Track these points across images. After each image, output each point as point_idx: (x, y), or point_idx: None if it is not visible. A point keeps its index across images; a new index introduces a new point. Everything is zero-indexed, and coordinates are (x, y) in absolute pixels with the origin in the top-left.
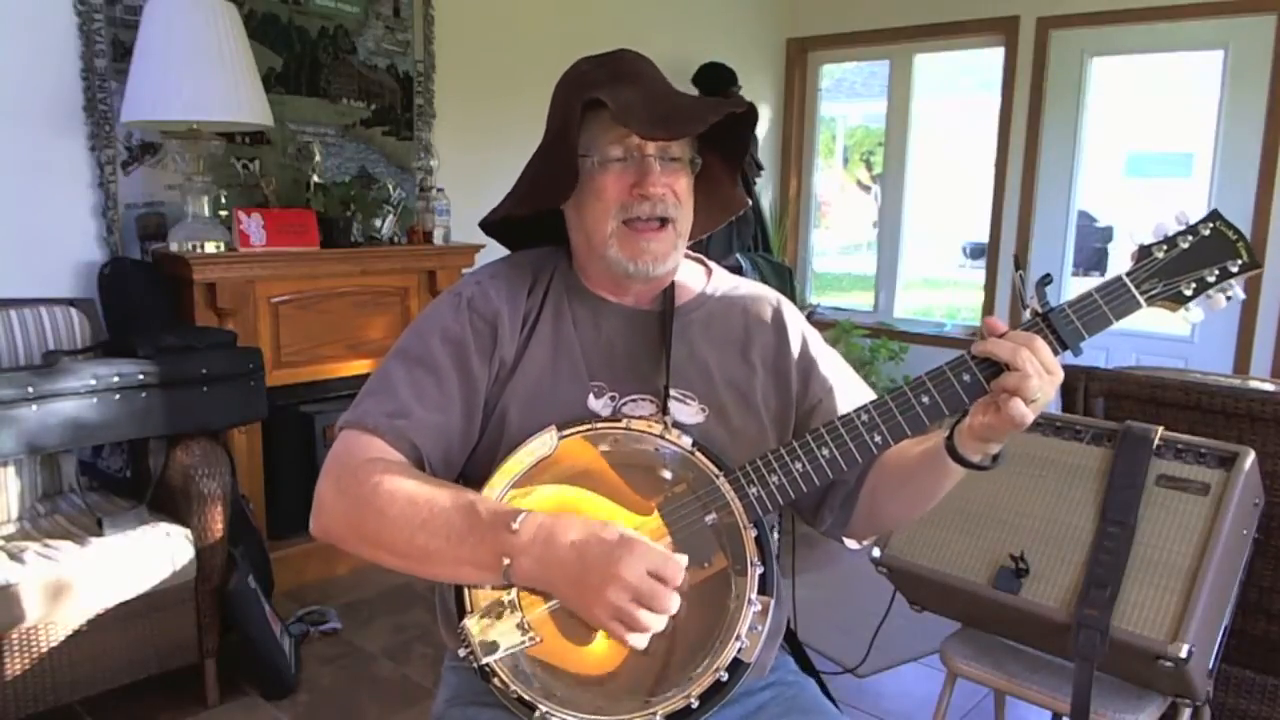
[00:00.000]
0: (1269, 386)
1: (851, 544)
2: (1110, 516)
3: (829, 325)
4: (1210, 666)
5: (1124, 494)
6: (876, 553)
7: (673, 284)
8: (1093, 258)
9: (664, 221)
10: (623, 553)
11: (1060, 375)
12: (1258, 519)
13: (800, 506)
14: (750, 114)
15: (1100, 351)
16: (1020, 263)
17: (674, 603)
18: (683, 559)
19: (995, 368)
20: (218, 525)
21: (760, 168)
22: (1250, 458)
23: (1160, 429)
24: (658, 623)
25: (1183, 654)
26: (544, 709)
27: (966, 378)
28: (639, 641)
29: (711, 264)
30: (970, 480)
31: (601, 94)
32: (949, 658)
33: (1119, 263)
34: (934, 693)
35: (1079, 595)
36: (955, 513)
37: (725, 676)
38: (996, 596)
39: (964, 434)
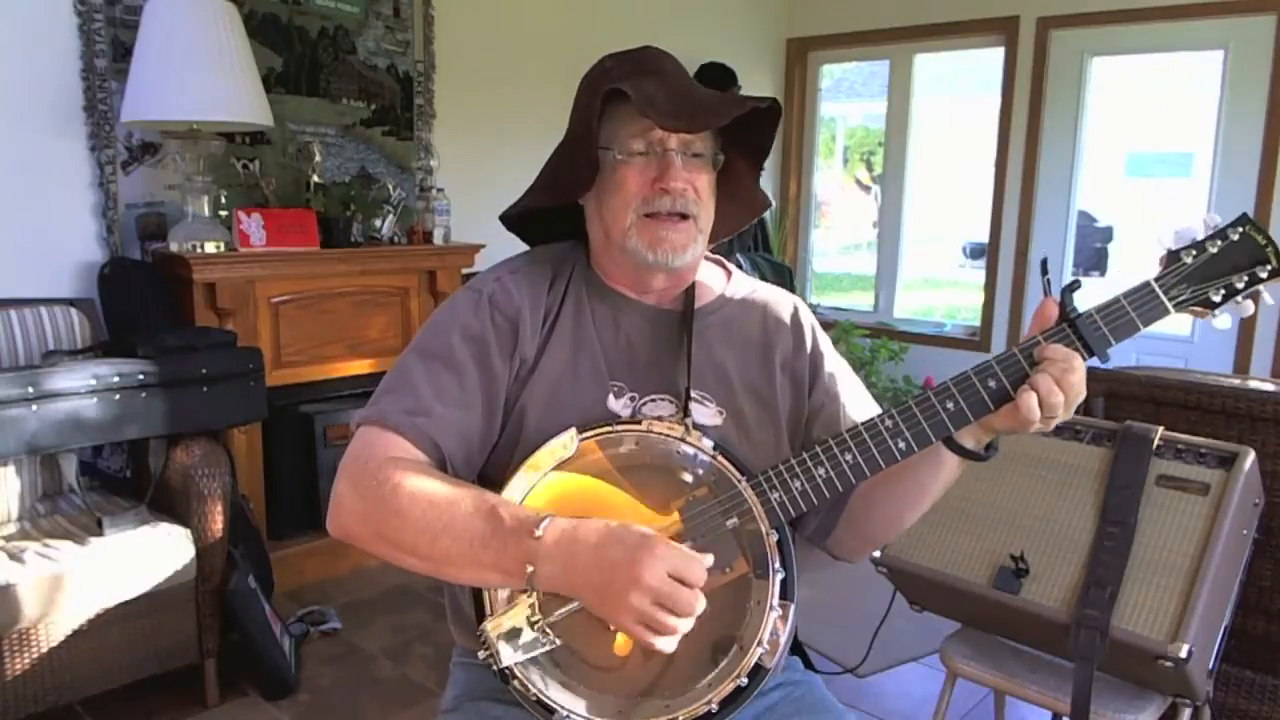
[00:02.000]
0: (1269, 386)
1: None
2: (1110, 516)
3: (829, 325)
4: (1210, 666)
5: (1124, 494)
6: (876, 553)
7: (694, 283)
8: (1093, 258)
9: (684, 216)
10: (644, 555)
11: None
12: (1258, 519)
13: None
14: (775, 110)
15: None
16: (1047, 268)
17: (698, 604)
18: (707, 559)
19: (1022, 373)
20: (218, 525)
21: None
22: (1250, 458)
23: (1160, 429)
24: (684, 625)
25: (1183, 654)
26: (563, 712)
27: (992, 384)
28: (666, 645)
29: (731, 266)
30: (970, 480)
31: (623, 85)
32: (949, 658)
33: (1119, 263)
34: (934, 693)
35: (1079, 595)
36: (955, 513)
37: (745, 683)
38: (996, 596)
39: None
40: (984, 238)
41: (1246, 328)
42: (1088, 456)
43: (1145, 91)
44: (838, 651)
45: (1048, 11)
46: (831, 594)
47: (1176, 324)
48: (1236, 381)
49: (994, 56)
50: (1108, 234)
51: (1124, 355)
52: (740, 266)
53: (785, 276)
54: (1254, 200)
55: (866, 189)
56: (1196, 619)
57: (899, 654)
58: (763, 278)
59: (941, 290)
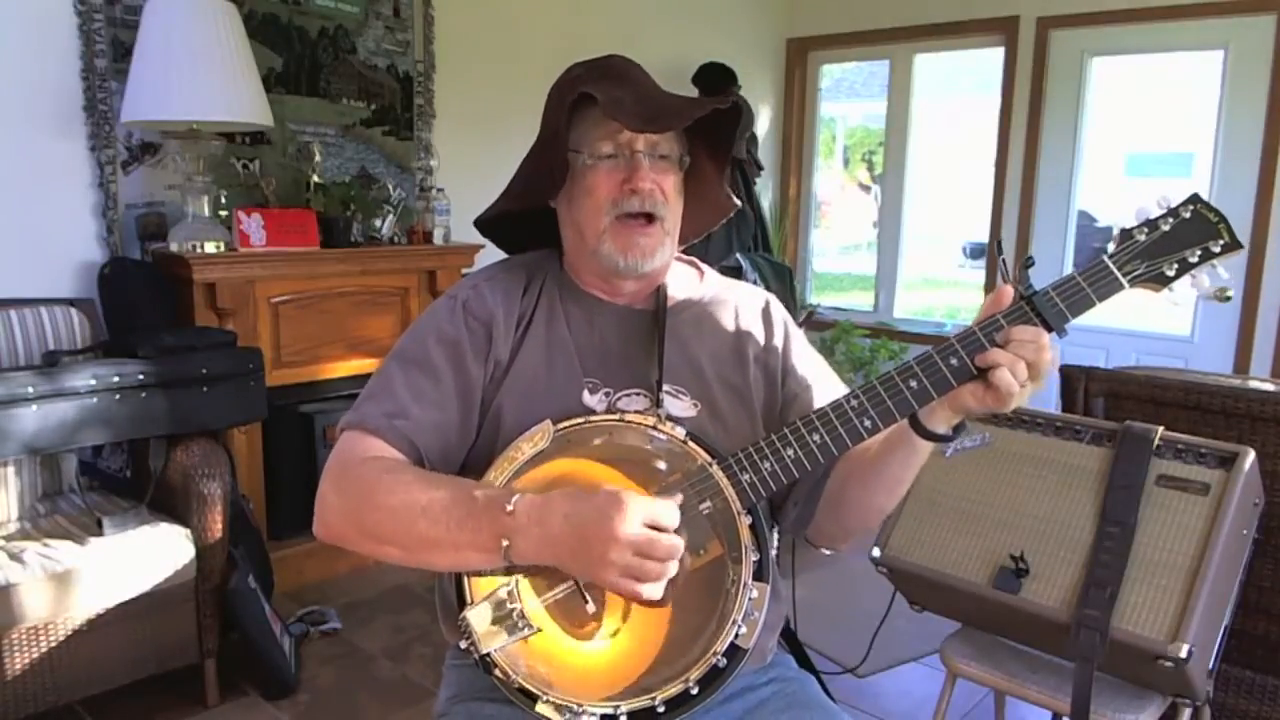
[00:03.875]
0: (1269, 386)
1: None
2: (1110, 516)
3: (829, 325)
4: (1210, 666)
5: (1124, 494)
6: (876, 553)
7: (665, 283)
8: (1093, 258)
9: (652, 218)
10: (613, 511)
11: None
12: (1258, 519)
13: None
14: (735, 110)
15: (1100, 351)
16: (1002, 248)
17: (677, 545)
18: (675, 500)
19: (981, 349)
20: (218, 525)
21: (760, 168)
22: (1250, 458)
23: (1160, 429)
24: (668, 569)
25: (1183, 654)
26: (545, 698)
27: (954, 361)
28: (654, 592)
29: (704, 266)
30: (970, 480)
31: (591, 89)
32: (949, 658)
33: None
34: (934, 693)
35: (1079, 595)
36: (955, 513)
37: (723, 662)
38: (996, 596)
39: (934, 405)
40: (984, 238)
41: (1246, 328)
42: (1088, 456)
43: (1145, 91)
44: (838, 651)
45: (1048, 11)
46: (831, 594)
47: (1177, 324)
48: (1236, 381)
49: (994, 56)
50: (1108, 234)
51: (1124, 355)
52: (740, 267)
53: (785, 276)
54: (1254, 200)
55: (866, 189)
56: (1196, 619)
57: (899, 654)
58: (762, 277)
59: (941, 290)
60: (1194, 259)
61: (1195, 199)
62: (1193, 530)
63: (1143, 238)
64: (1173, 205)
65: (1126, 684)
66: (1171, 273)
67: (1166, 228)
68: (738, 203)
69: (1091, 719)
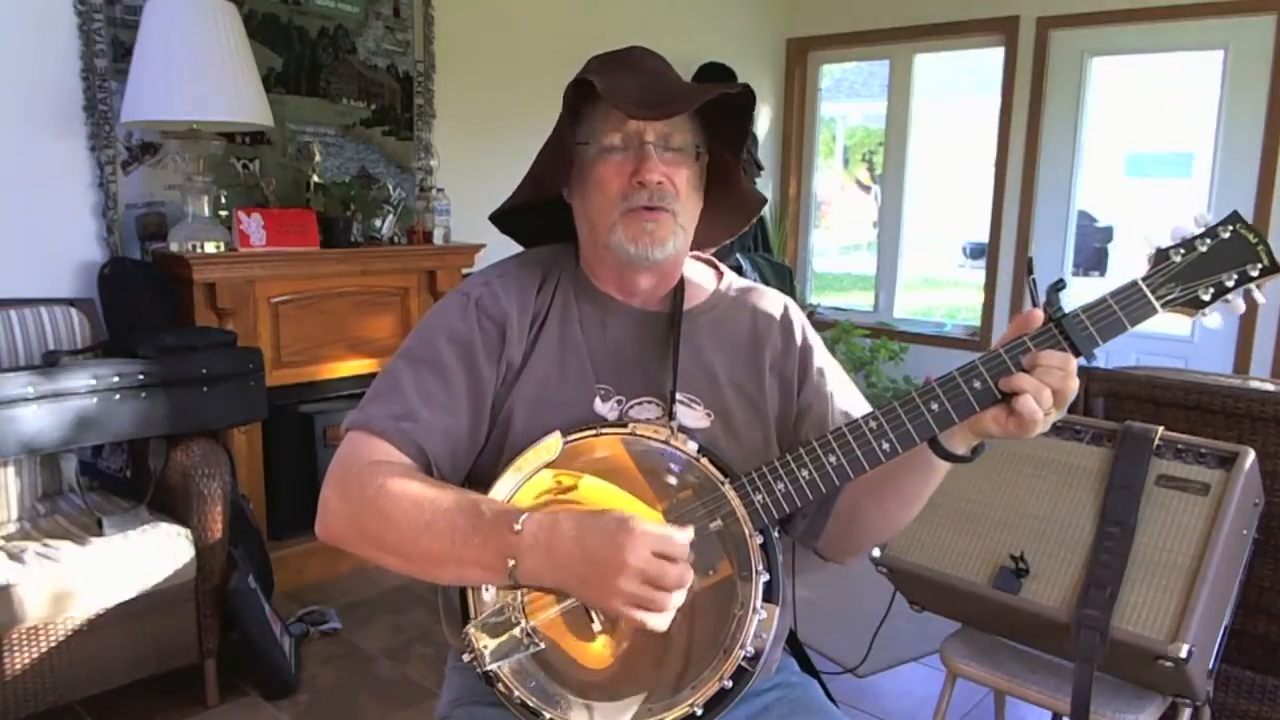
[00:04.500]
0: (1269, 386)
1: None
2: (1110, 516)
3: (829, 325)
4: (1210, 666)
5: (1124, 494)
6: (876, 553)
7: (681, 285)
8: (1093, 258)
9: (662, 209)
10: (625, 538)
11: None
12: (1258, 519)
13: None
14: (745, 95)
15: (1100, 351)
16: (1033, 267)
17: (686, 576)
18: (687, 532)
19: (1006, 372)
20: (218, 525)
21: (760, 167)
22: (1250, 458)
23: (1160, 429)
24: (675, 599)
25: (1183, 654)
26: (548, 715)
27: (977, 385)
28: (660, 623)
29: (722, 266)
30: (970, 480)
31: (593, 78)
32: (949, 658)
33: (1119, 263)
34: (934, 693)
35: (1079, 595)
36: (955, 513)
37: (729, 684)
38: (996, 596)
39: (955, 427)
40: (984, 238)
41: (1246, 328)
42: (1088, 456)
43: (1145, 91)
44: (838, 651)
45: (1048, 11)
46: (831, 594)
47: (1176, 324)
48: (1236, 381)
49: (994, 56)
50: (1108, 234)
51: (1124, 355)
52: (740, 266)
53: (785, 276)
54: (1254, 200)
55: (866, 189)
56: (1196, 619)
57: (899, 654)
58: (763, 277)
59: (941, 290)
60: (1230, 283)
61: (1236, 218)
62: (1193, 530)
63: (1179, 259)
64: (1211, 225)
65: (1126, 684)
66: (1207, 297)
67: (1204, 249)
68: (765, 198)
69: (1091, 719)
